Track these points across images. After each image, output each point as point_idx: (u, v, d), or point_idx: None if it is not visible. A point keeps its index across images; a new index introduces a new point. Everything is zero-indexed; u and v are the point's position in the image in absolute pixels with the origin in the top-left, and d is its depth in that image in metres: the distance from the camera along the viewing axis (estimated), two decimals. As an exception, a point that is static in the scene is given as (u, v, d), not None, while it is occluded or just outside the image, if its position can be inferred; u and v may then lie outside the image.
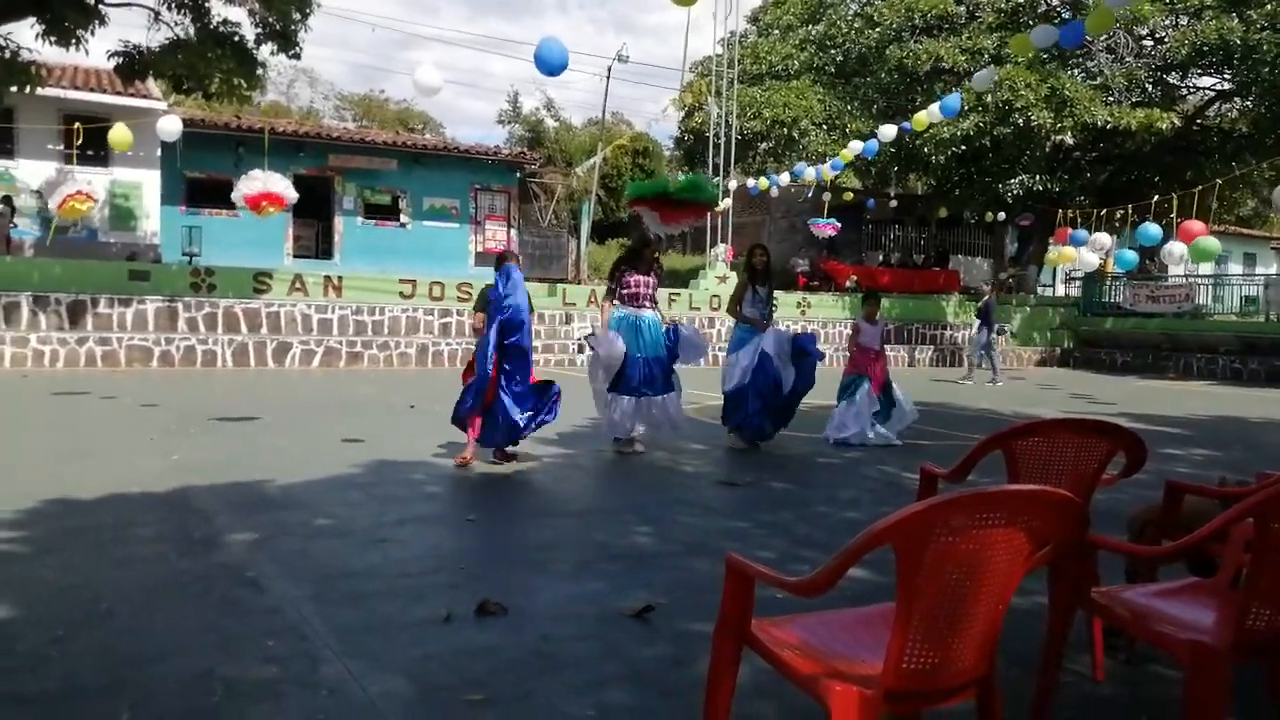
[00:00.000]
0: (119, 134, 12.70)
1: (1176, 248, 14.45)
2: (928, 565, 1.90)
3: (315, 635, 3.41)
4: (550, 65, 7.24)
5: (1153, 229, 14.76)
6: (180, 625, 3.48)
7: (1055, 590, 2.79)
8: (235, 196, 12.38)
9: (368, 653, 3.26)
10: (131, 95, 19.20)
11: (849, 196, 22.96)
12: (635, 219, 23.30)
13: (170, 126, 11.84)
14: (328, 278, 17.04)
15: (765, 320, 8.35)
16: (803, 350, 8.21)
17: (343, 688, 2.97)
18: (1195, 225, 13.93)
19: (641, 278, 7.85)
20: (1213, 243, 13.70)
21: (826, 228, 20.46)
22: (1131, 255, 16.18)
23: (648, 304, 7.88)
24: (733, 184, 21.39)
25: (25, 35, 14.30)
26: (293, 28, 14.83)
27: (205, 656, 3.18)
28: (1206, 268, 24.54)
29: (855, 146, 15.04)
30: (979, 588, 1.96)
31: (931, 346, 22.14)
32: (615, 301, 7.88)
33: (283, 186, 12.14)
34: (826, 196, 21.89)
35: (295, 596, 3.82)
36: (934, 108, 12.24)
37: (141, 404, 10.13)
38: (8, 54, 13.70)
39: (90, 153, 18.43)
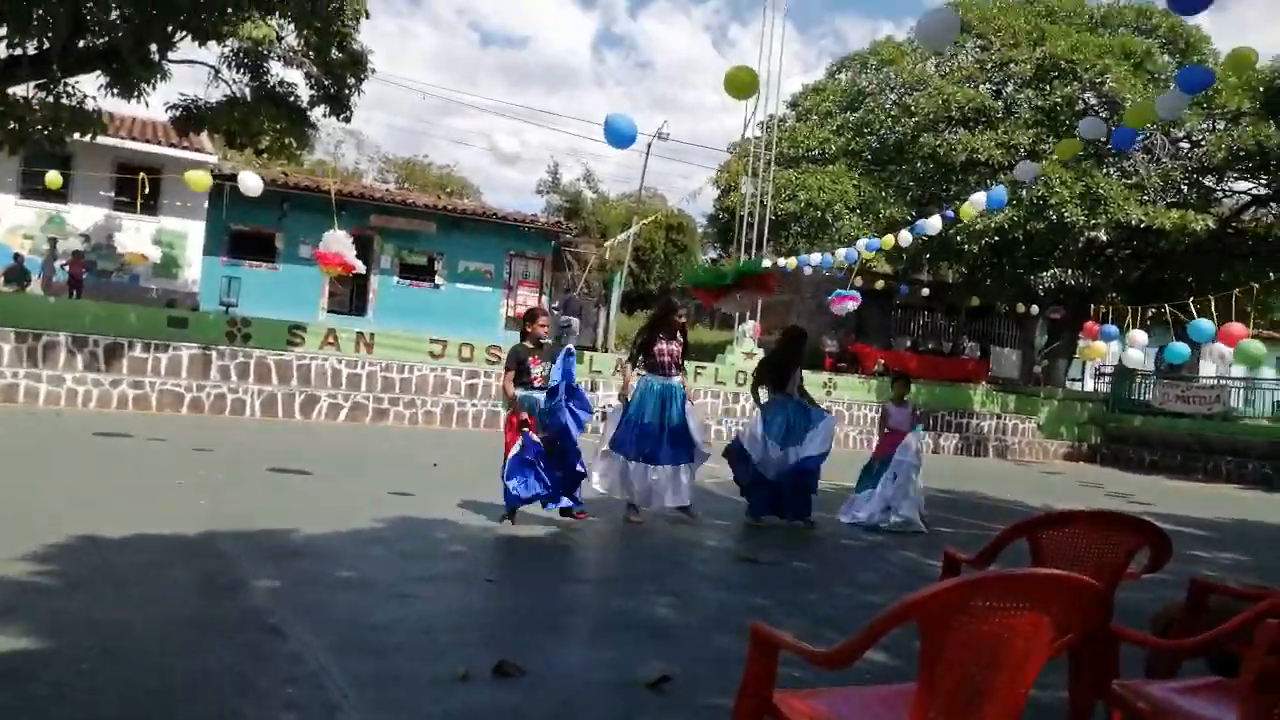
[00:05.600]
0: (196, 177, 13.13)
1: (1219, 348, 14.20)
2: (950, 645, 1.93)
3: (334, 685, 3.44)
4: (621, 136, 7.40)
5: (1205, 325, 14.52)
6: (203, 666, 3.53)
7: (1076, 681, 2.79)
8: (320, 248, 12.67)
9: (386, 705, 3.29)
10: (185, 147, 19.84)
11: (880, 284, 23.09)
12: (681, 293, 23.65)
13: (252, 182, 12.23)
14: (360, 334, 17.28)
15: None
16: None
17: (361, 738, 3.00)
18: (1236, 328, 13.75)
19: (667, 346, 7.90)
20: (1259, 346, 13.50)
21: (845, 299, 20.04)
22: (1183, 348, 15.90)
23: (674, 372, 7.92)
24: (766, 262, 21.56)
25: (88, 84, 14.89)
26: (346, 91, 15.33)
27: (227, 699, 3.22)
28: (1239, 370, 24.30)
29: (901, 235, 15.05)
30: (1001, 671, 1.99)
31: (957, 435, 22.00)
32: (640, 369, 7.97)
33: (352, 255, 12.45)
34: (857, 283, 21.87)
35: (316, 645, 3.86)
36: (979, 198, 12.20)
37: (167, 448, 10.28)
38: (75, 102, 14.23)
39: (139, 201, 19.00)
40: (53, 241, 19.26)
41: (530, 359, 7.22)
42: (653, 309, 9.26)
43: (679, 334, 8.02)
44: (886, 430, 9.03)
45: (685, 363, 8.20)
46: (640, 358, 7.96)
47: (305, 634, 4.00)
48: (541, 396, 7.10)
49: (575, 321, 21.34)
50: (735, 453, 8.26)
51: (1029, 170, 11.48)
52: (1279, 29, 70.18)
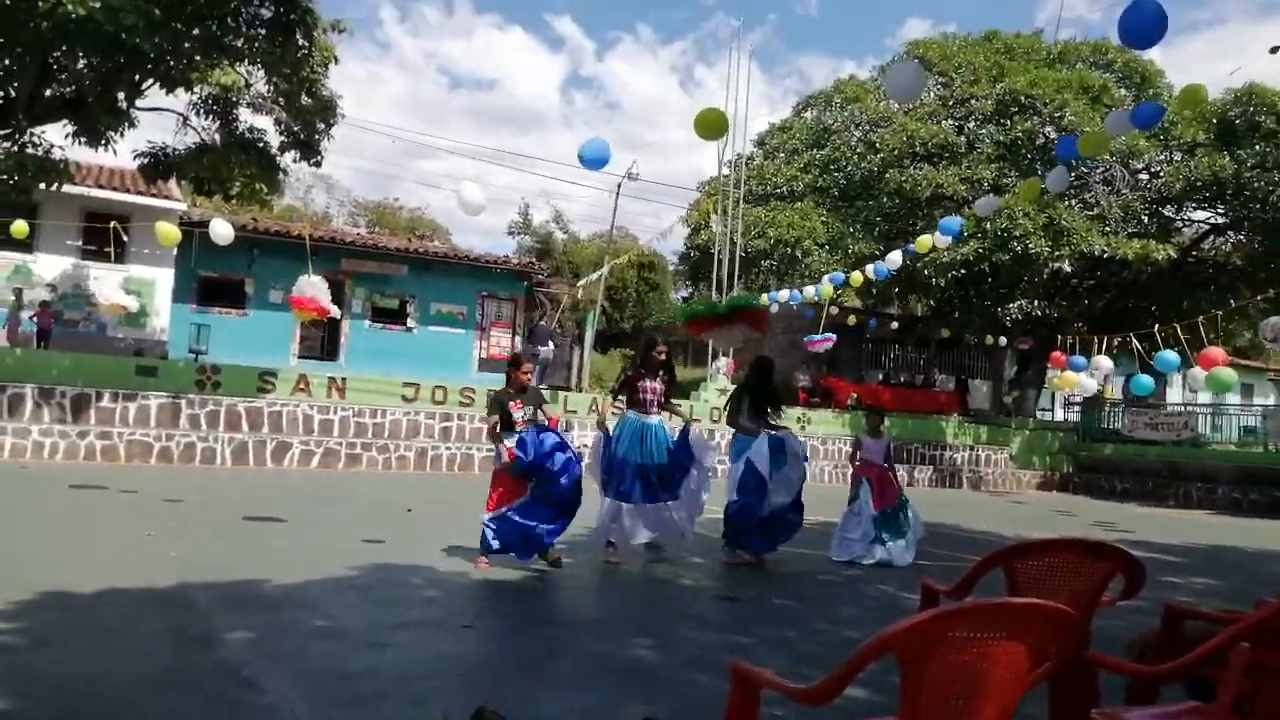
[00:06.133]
0: (166, 230, 13.05)
1: (1199, 374, 14.32)
2: (930, 676, 1.94)
3: (312, 736, 3.39)
4: (596, 161, 7.47)
5: (1170, 356, 14.75)
6: (177, 722, 3.47)
7: (1056, 710, 2.80)
8: (295, 292, 12.67)
9: (365, 756, 3.24)
10: (153, 195, 19.74)
11: (852, 320, 23.28)
12: (656, 329, 23.78)
13: (223, 230, 12.16)
14: (332, 379, 17.16)
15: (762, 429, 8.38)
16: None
17: (339, 790, 2.95)
18: (1216, 353, 13.96)
19: (649, 383, 7.92)
20: (1229, 373, 13.69)
21: (821, 343, 20.45)
22: (1148, 380, 16.14)
23: (654, 410, 7.92)
24: (763, 298, 21.65)
25: (54, 134, 14.84)
26: (316, 137, 15.38)
27: (202, 754, 3.16)
28: (1205, 397, 24.68)
29: (868, 270, 15.19)
30: (980, 700, 2.00)
31: (931, 467, 22.10)
32: (621, 405, 7.96)
33: (327, 299, 12.46)
34: (833, 312, 21.96)
35: (292, 697, 3.80)
36: (938, 231, 12.49)
37: (138, 499, 10.13)
38: (40, 152, 14.16)
39: (107, 250, 18.86)
40: (18, 292, 19.04)
41: (512, 404, 7.17)
42: (627, 348, 9.34)
43: (661, 370, 8.03)
44: (859, 461, 9.11)
45: (670, 399, 8.15)
46: (622, 391, 8.00)
47: (281, 685, 3.94)
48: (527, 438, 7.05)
49: (550, 351, 21.42)
50: (750, 484, 8.12)
51: (989, 204, 11.70)
52: (1227, 61, 72.31)
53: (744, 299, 10.68)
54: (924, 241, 13.19)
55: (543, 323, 24.16)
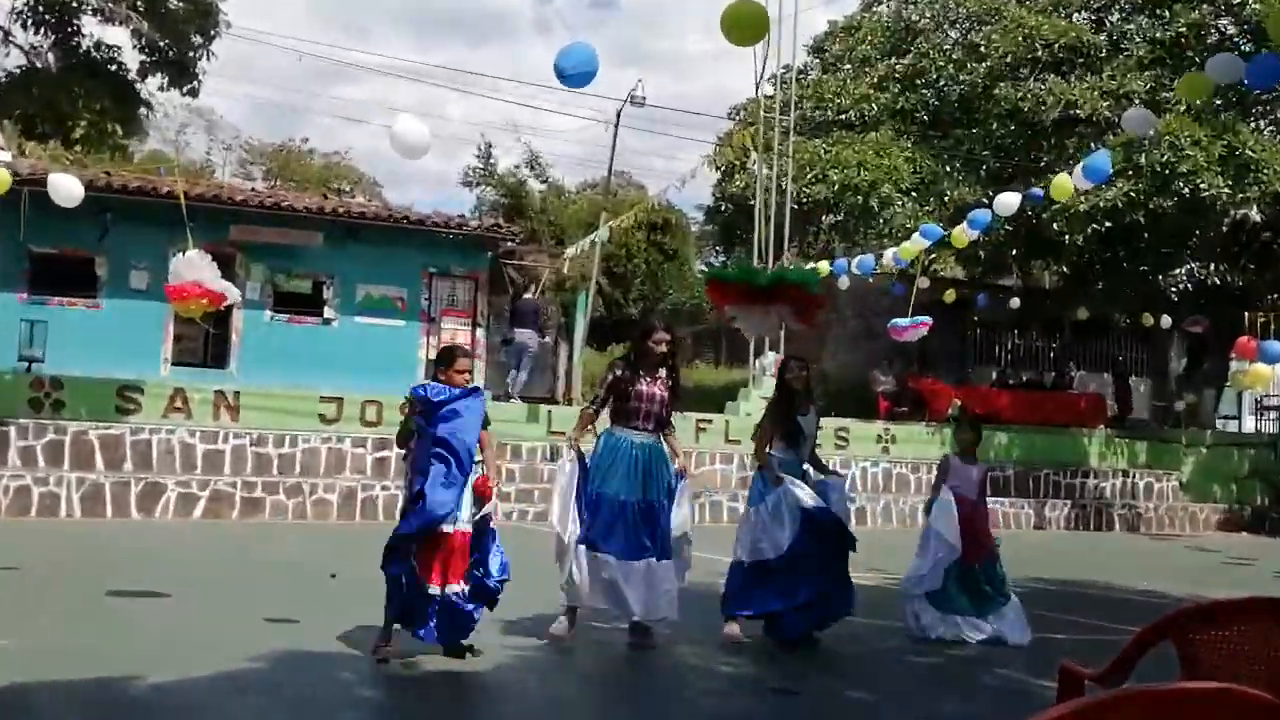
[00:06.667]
0: None
1: None
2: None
3: None
4: (579, 71, 7.36)
5: None
6: None
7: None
8: (171, 278, 12.67)
9: None
10: (-37, 141, 19.81)
11: (952, 295, 23.14)
12: (673, 314, 23.73)
13: (67, 186, 12.03)
14: (220, 394, 17.21)
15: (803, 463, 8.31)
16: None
17: None
18: None
19: (645, 388, 7.57)
20: None
21: (910, 330, 20.07)
22: None
23: (651, 424, 7.60)
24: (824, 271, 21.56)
25: None
26: (190, 55, 15.42)
27: None
28: None
29: (975, 221, 14.91)
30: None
31: (1068, 501, 22.04)
32: (603, 413, 7.74)
33: (218, 280, 12.40)
34: (923, 285, 21.66)
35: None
36: (1076, 170, 12.28)
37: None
38: None
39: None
40: None
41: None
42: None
43: (663, 367, 7.76)
44: (946, 484, 8.87)
45: (671, 418, 7.84)
46: (608, 401, 7.73)
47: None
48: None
49: (532, 338, 21.46)
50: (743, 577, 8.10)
51: (1141, 119, 11.48)
52: None
53: (796, 273, 10.58)
54: (1063, 184, 12.91)
55: (528, 295, 24.10)
